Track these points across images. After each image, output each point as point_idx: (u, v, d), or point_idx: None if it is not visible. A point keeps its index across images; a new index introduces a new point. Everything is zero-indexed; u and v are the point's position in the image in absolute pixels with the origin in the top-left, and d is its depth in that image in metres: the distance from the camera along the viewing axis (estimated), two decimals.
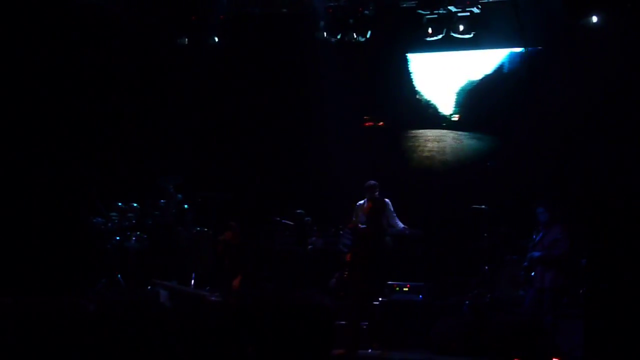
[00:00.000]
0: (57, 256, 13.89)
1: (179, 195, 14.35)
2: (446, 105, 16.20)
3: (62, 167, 14.72)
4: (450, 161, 16.02)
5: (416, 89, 16.36)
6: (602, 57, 13.98)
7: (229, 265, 12.43)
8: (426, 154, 16.20)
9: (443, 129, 16.18)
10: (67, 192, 14.59)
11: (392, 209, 13.84)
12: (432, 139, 16.18)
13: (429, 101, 16.31)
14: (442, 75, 16.19)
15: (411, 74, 16.38)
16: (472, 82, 15.97)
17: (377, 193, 13.75)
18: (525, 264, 12.01)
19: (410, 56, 16.39)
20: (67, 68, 14.90)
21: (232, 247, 12.54)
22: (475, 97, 15.93)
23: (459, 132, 16.04)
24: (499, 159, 14.24)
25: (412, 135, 16.31)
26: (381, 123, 16.64)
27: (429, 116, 16.32)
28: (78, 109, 15.06)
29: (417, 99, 16.37)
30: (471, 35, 14.65)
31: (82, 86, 15.13)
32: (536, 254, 11.77)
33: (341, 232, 14.11)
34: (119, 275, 13.83)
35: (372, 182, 13.80)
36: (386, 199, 13.94)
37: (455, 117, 16.10)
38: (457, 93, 16.10)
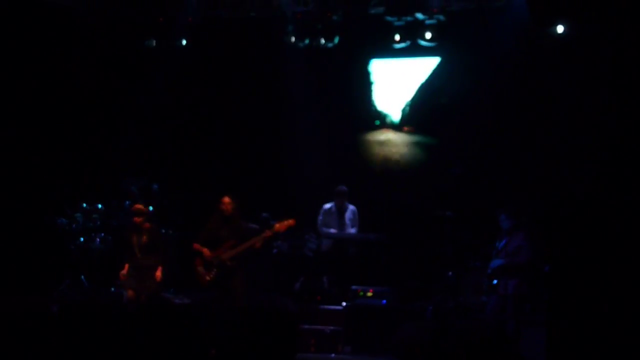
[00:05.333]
0: (20, 256, 13.82)
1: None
2: (409, 109, 16.23)
3: (26, 168, 14.62)
4: (414, 166, 16.04)
5: (380, 93, 16.37)
6: (567, 65, 14.12)
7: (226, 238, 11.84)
8: (391, 158, 16.20)
9: (406, 134, 16.19)
10: (31, 193, 14.50)
11: (357, 217, 13.94)
12: (396, 144, 16.19)
13: (393, 106, 16.32)
14: (405, 80, 16.20)
15: (375, 81, 16.38)
16: (434, 87, 15.99)
17: (346, 200, 13.87)
18: (489, 271, 12.06)
19: (376, 62, 16.38)
20: (30, 69, 14.80)
21: (231, 220, 11.85)
22: (437, 102, 15.94)
23: (424, 137, 16.06)
24: (463, 164, 14.28)
25: (377, 139, 16.31)
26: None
27: (393, 121, 16.32)
28: (42, 109, 14.97)
29: (382, 103, 16.38)
30: (437, 44, 14.81)
31: (47, 87, 15.03)
32: (499, 261, 11.80)
33: (306, 236, 14.15)
34: (83, 277, 13.78)
35: (344, 188, 13.89)
36: (352, 206, 14.02)
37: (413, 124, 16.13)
38: (419, 98, 16.13)
